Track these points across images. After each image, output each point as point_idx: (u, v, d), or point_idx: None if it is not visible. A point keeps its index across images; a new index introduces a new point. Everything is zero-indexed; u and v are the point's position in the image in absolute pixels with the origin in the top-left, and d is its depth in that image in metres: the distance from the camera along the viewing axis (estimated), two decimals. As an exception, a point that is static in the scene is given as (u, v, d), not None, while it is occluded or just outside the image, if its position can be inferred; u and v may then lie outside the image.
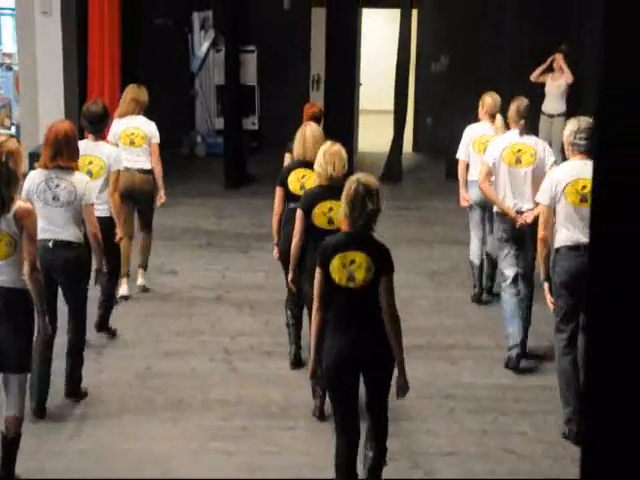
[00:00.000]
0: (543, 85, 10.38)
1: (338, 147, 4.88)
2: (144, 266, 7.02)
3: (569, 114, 9.93)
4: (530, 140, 5.92)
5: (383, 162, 11.54)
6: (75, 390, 5.21)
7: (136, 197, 6.75)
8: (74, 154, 5.01)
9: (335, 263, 3.89)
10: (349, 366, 3.94)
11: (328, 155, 4.84)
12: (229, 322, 6.49)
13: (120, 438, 4.82)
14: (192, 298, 6.98)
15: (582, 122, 4.82)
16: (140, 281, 6.99)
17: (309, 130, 5.55)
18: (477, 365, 5.83)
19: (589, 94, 9.90)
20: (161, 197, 7.03)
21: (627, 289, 2.09)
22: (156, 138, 6.84)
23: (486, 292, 6.98)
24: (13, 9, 11.35)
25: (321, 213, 4.94)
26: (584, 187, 4.72)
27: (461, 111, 11.61)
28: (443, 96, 12.30)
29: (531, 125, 10.62)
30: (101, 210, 5.55)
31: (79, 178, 5.02)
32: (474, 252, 6.91)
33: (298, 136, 5.57)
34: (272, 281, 7.30)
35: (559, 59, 10.19)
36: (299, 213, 5.04)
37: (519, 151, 5.82)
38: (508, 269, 5.85)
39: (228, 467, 4.56)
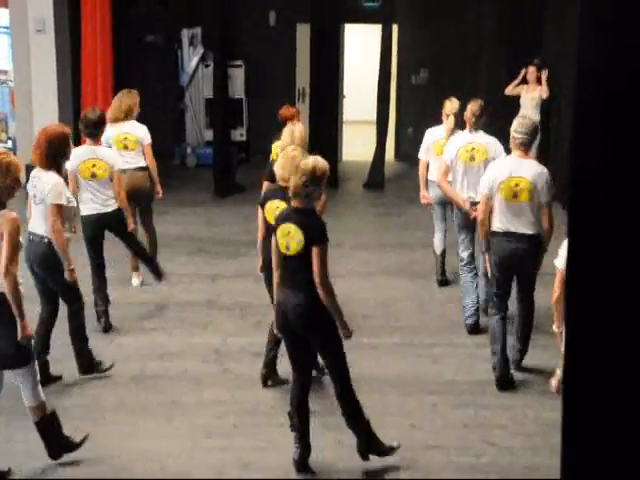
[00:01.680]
0: (518, 97, 10.47)
1: (294, 153, 4.87)
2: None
3: (543, 124, 10.04)
4: (482, 139, 6.34)
5: (366, 170, 11.58)
6: (89, 366, 5.40)
7: (138, 196, 6.95)
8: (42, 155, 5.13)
9: (278, 232, 4.36)
10: (283, 318, 4.43)
11: (283, 159, 4.91)
12: (220, 325, 6.50)
13: (117, 436, 4.82)
14: (184, 302, 6.98)
15: (525, 120, 5.51)
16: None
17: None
18: (458, 362, 5.86)
19: (562, 104, 10.00)
20: (158, 192, 7.21)
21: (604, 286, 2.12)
22: (148, 139, 7.03)
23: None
24: (8, 27, 11.33)
25: (271, 209, 5.05)
26: (517, 185, 5.30)
27: (440, 122, 11.70)
28: (423, 107, 12.36)
29: (506, 134, 10.77)
30: (112, 205, 6.18)
31: (49, 179, 5.11)
32: (437, 243, 7.34)
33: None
34: (260, 285, 7.29)
35: (533, 72, 10.27)
36: (258, 208, 5.32)
37: (473, 149, 6.29)
38: (464, 252, 6.38)
39: (221, 463, 4.56)
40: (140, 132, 6.99)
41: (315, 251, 4.23)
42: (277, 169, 4.95)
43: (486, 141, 6.31)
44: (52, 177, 5.11)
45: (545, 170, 5.40)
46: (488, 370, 5.58)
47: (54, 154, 5.09)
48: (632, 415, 2.04)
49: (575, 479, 2.24)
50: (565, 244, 5.15)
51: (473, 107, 6.35)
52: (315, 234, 4.26)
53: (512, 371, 5.53)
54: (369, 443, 4.50)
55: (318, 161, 4.35)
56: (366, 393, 5.34)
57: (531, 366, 5.71)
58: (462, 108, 7.06)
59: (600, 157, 2.10)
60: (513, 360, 5.59)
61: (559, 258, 5.12)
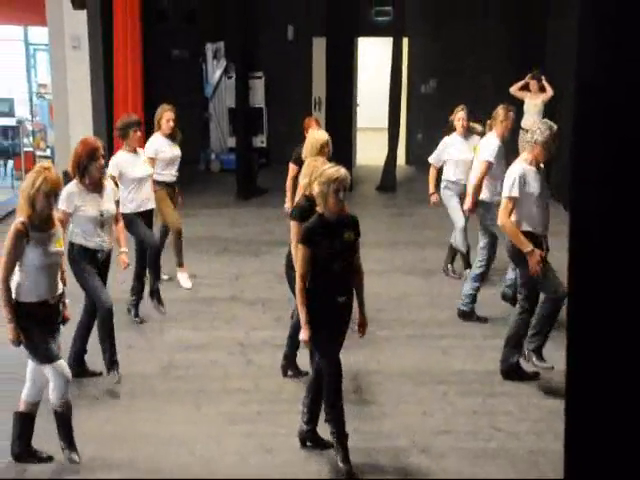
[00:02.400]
0: (522, 103, 10.41)
1: (315, 163, 4.80)
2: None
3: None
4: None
5: (379, 174, 11.55)
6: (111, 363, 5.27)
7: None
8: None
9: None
10: None
11: (307, 168, 4.85)
12: (244, 319, 6.49)
13: (148, 423, 4.83)
14: (210, 298, 6.99)
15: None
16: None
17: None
18: (466, 353, 5.83)
19: (563, 110, 9.92)
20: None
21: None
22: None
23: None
24: (47, 45, 11.42)
25: None
26: None
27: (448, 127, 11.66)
28: (432, 115, 12.32)
29: (511, 138, 10.74)
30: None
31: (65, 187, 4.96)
32: (460, 240, 7.19)
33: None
34: (281, 281, 7.30)
35: (534, 84, 10.20)
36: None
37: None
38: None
39: (245, 447, 4.56)
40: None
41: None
42: (301, 178, 4.97)
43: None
44: (68, 186, 4.99)
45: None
46: (495, 360, 5.55)
47: (79, 165, 4.96)
48: (632, 406, 2.02)
49: (578, 468, 2.22)
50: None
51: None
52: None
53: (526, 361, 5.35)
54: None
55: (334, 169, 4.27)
56: (381, 382, 5.36)
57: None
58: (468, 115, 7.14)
59: (599, 160, 2.07)
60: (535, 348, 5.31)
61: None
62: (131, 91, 10.52)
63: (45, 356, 4.19)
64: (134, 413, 4.96)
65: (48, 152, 11.87)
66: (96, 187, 5.04)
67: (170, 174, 6.97)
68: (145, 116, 10.64)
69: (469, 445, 4.59)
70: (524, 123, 10.41)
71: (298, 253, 4.25)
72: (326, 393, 4.33)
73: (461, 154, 7.12)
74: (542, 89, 10.17)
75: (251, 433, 4.70)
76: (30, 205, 4.07)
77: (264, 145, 12.77)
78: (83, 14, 10.31)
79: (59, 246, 4.24)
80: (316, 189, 4.21)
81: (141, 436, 4.68)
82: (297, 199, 5.32)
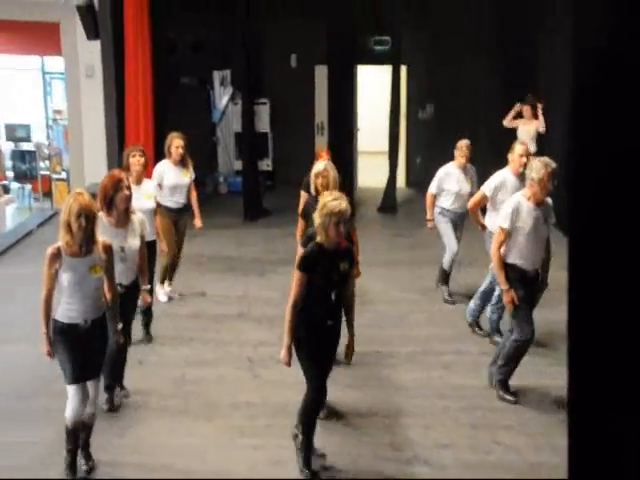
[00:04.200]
0: (515, 130, 10.45)
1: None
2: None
3: (538, 154, 9.97)
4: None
5: (380, 196, 11.58)
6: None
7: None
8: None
9: None
10: None
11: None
12: (251, 335, 6.49)
13: (161, 435, 4.82)
14: (218, 315, 6.98)
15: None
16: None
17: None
18: (466, 369, 5.81)
19: (555, 137, 9.96)
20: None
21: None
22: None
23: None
24: (63, 73, 11.51)
25: None
26: None
27: (445, 151, 11.69)
28: (430, 138, 12.39)
29: (504, 163, 10.74)
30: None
31: None
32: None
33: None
34: (286, 299, 7.29)
35: (528, 110, 10.23)
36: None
37: None
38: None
39: (254, 459, 4.55)
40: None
41: None
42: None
43: None
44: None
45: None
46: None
47: (105, 197, 4.84)
48: (635, 415, 2.01)
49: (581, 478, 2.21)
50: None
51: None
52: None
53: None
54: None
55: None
56: (384, 397, 5.34)
57: (531, 371, 5.66)
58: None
59: (597, 186, 2.06)
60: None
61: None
62: (142, 117, 10.57)
63: (67, 375, 4.24)
64: (146, 425, 4.94)
65: (64, 175, 11.93)
66: (121, 221, 4.89)
67: (173, 200, 6.91)
68: (155, 140, 10.70)
69: (470, 458, 4.57)
70: (518, 148, 10.46)
71: (295, 279, 4.23)
72: (303, 412, 4.38)
73: (460, 187, 7.16)
74: (535, 116, 10.22)
75: (259, 446, 4.69)
76: (66, 229, 4.09)
77: (270, 168, 12.82)
78: (97, 44, 10.39)
79: (96, 272, 4.17)
80: (317, 220, 4.22)
81: (153, 447, 4.67)
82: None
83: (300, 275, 4.20)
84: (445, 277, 7.38)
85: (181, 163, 6.92)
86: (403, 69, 11.95)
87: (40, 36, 11.88)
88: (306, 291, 4.19)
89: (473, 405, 5.22)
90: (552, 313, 5.71)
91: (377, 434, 4.82)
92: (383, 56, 12.42)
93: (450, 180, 7.18)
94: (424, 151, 12.86)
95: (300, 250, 4.85)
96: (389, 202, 11.49)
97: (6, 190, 11.75)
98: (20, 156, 12.05)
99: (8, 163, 12.16)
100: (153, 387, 5.46)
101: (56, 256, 4.12)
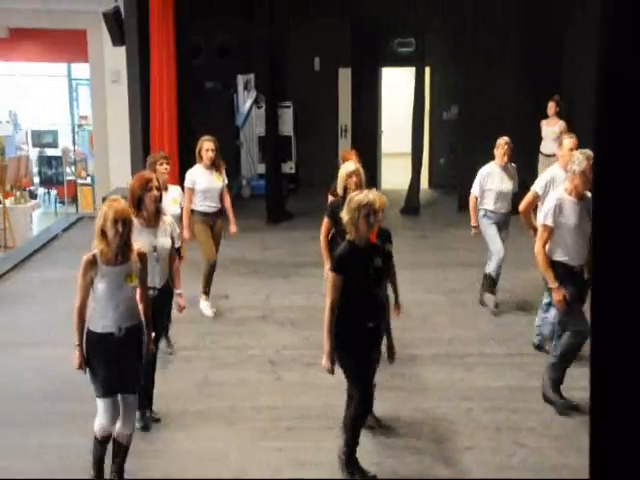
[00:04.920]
0: (539, 129, 10.40)
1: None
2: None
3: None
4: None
5: (403, 198, 11.57)
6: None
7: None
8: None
9: None
10: None
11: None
12: (274, 338, 6.51)
13: (184, 438, 4.86)
14: (241, 318, 7.03)
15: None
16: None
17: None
18: (490, 370, 5.79)
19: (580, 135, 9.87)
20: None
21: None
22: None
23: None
24: (88, 79, 11.68)
25: None
26: None
27: (470, 152, 11.65)
28: (454, 140, 12.34)
29: (531, 163, 10.66)
30: None
31: None
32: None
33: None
34: (310, 302, 7.34)
35: (552, 107, 10.19)
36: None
37: None
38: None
39: (277, 462, 4.57)
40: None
41: None
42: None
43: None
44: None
45: None
46: (517, 377, 5.51)
47: (133, 197, 4.73)
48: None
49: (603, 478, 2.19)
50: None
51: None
52: None
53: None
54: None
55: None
56: (408, 398, 5.34)
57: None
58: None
59: (620, 188, 2.03)
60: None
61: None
62: (167, 121, 10.68)
63: (97, 388, 4.12)
64: (170, 429, 4.99)
65: (89, 180, 12.10)
66: (152, 221, 4.78)
67: (207, 205, 6.79)
68: (179, 145, 10.80)
69: (493, 460, 4.55)
70: (542, 148, 10.39)
71: (329, 281, 4.11)
72: (351, 417, 4.27)
73: (502, 185, 6.93)
74: (559, 114, 10.15)
75: (282, 448, 4.71)
76: (101, 237, 3.99)
77: (293, 171, 12.87)
78: (122, 50, 10.53)
79: (131, 281, 4.05)
80: (345, 217, 4.12)
81: (177, 451, 4.72)
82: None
83: (335, 276, 4.07)
84: (492, 285, 6.96)
85: (213, 167, 6.81)
86: (427, 70, 11.93)
87: (67, 43, 12.07)
88: (343, 293, 4.06)
89: (496, 407, 5.19)
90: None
91: (399, 436, 4.82)
92: (407, 58, 12.42)
93: (492, 179, 6.93)
94: (448, 152, 12.82)
95: (324, 251, 4.80)
96: (413, 204, 11.47)
97: (32, 196, 11.96)
98: (46, 162, 12.25)
99: (34, 169, 12.36)
100: (176, 390, 5.51)
101: (92, 264, 4.00)
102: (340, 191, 5.45)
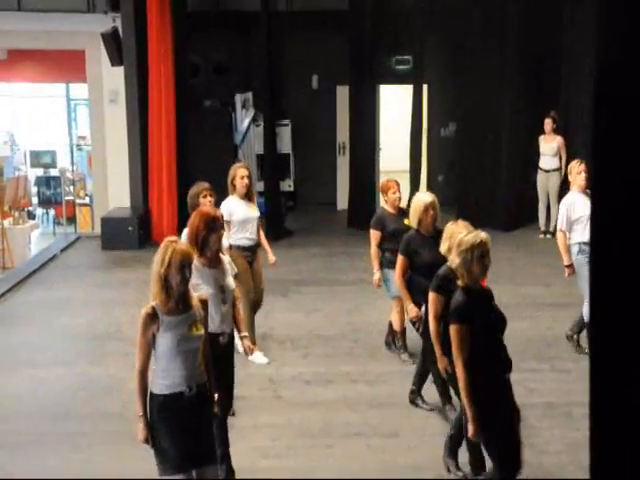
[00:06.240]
0: (538, 145, 10.50)
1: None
2: None
3: (561, 169, 10.03)
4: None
5: (402, 215, 11.59)
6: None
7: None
8: None
9: None
10: None
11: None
12: (273, 355, 6.51)
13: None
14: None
15: None
16: None
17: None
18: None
19: (576, 152, 9.95)
20: None
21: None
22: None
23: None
24: (87, 99, 11.78)
25: None
26: None
27: (468, 169, 11.72)
28: (452, 157, 12.43)
29: (530, 179, 10.69)
30: None
31: None
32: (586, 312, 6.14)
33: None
34: (309, 319, 7.38)
35: (549, 123, 10.31)
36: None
37: None
38: None
39: (276, 481, 4.58)
40: None
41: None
42: (442, 243, 4.60)
43: None
44: None
45: None
46: (516, 395, 5.50)
47: (197, 238, 4.31)
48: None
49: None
50: None
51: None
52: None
53: None
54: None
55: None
56: (402, 413, 5.34)
57: (554, 389, 5.64)
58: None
59: (619, 201, 2.05)
60: None
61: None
62: (165, 140, 10.77)
63: (167, 464, 3.57)
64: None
65: (87, 200, 12.16)
66: (213, 262, 4.37)
67: (245, 237, 6.27)
68: (178, 163, 10.88)
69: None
70: (541, 164, 10.49)
71: (455, 336, 3.71)
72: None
73: (588, 211, 6.40)
74: (556, 131, 10.27)
75: (283, 467, 4.70)
76: (162, 285, 3.53)
77: (291, 189, 12.94)
78: (120, 70, 10.63)
79: (197, 330, 3.63)
80: (456, 260, 3.80)
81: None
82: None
83: (462, 328, 3.68)
84: (582, 327, 6.29)
85: (247, 196, 6.34)
86: (425, 88, 12.03)
87: (66, 64, 12.22)
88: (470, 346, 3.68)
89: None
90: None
91: (400, 455, 4.83)
92: (404, 75, 12.53)
93: (577, 207, 6.16)
94: (446, 169, 12.90)
95: (432, 295, 4.35)
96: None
97: (31, 216, 12.02)
98: (45, 182, 12.32)
99: (33, 189, 12.43)
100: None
101: (152, 318, 3.53)
102: (414, 224, 5.28)
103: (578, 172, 6.20)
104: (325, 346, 6.67)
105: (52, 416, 5.40)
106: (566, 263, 6.17)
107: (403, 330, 6.23)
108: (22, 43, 11.36)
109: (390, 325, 6.44)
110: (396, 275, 5.52)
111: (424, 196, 5.45)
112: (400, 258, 5.47)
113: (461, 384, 3.71)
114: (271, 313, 7.68)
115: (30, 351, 6.72)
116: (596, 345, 2.15)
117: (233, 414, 4.98)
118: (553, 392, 5.60)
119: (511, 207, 11.01)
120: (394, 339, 6.42)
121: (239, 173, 6.30)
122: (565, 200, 6.36)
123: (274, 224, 11.02)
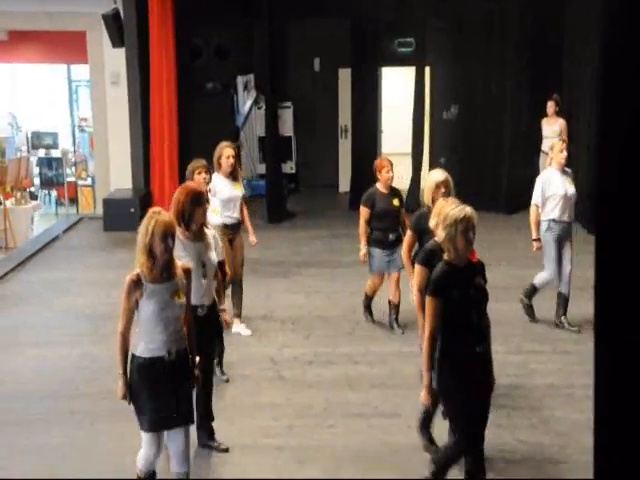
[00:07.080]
0: (540, 128, 10.44)
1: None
2: None
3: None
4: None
5: (404, 196, 11.55)
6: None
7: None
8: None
9: None
10: None
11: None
12: (274, 336, 6.53)
13: (185, 436, 4.87)
14: (242, 316, 7.02)
15: None
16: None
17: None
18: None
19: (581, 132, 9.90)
20: None
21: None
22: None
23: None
24: (88, 80, 11.71)
25: None
26: None
27: (470, 151, 11.67)
28: (454, 139, 12.36)
29: (532, 161, 10.64)
30: None
31: None
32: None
33: None
34: (310, 301, 7.38)
35: (551, 106, 10.25)
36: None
37: None
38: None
39: (279, 460, 4.58)
40: None
41: None
42: (431, 218, 4.57)
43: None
44: None
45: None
46: (518, 375, 5.51)
47: (183, 213, 4.39)
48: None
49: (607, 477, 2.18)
50: None
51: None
52: None
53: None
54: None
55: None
56: (405, 396, 5.34)
57: (555, 370, 5.64)
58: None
59: (622, 186, 2.02)
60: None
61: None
62: (167, 122, 10.72)
63: (144, 421, 3.79)
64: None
65: (89, 181, 12.13)
66: (197, 236, 4.46)
67: (227, 215, 6.31)
68: (179, 145, 10.84)
69: (495, 456, 4.55)
70: (543, 146, 10.43)
71: (427, 307, 3.78)
72: (441, 461, 3.98)
73: (566, 188, 6.31)
74: (558, 113, 10.20)
75: (284, 446, 4.72)
76: (147, 254, 3.67)
77: (293, 171, 12.91)
78: (122, 52, 10.56)
79: (179, 299, 3.76)
80: (441, 234, 3.82)
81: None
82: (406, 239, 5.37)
83: (434, 301, 3.73)
84: (532, 293, 6.58)
85: (232, 175, 6.34)
86: (427, 70, 11.95)
87: (67, 45, 12.13)
88: (443, 318, 3.73)
89: (498, 405, 5.16)
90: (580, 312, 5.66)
91: (400, 435, 4.83)
92: (407, 57, 12.44)
93: (553, 184, 6.31)
94: (448, 152, 12.83)
95: (418, 268, 4.45)
96: (413, 203, 11.47)
97: (33, 197, 11.99)
98: (47, 163, 12.28)
99: (35, 170, 12.40)
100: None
101: (136, 284, 3.69)
102: (427, 201, 5.17)
103: (560, 150, 6.34)
104: (326, 327, 6.67)
105: (55, 394, 5.41)
106: (534, 237, 6.35)
107: (397, 304, 6.47)
108: (23, 24, 11.28)
109: (390, 303, 6.56)
110: (403, 250, 5.49)
111: (437, 173, 5.39)
112: (409, 234, 5.41)
113: (424, 351, 3.82)
114: (273, 294, 7.69)
115: (33, 331, 6.73)
116: (601, 327, 2.14)
117: (227, 380, 5.54)
118: (555, 373, 5.61)
119: (513, 190, 10.97)
120: (369, 305, 6.75)
121: (225, 153, 6.30)
122: (542, 175, 6.49)
123: (276, 206, 10.99)
